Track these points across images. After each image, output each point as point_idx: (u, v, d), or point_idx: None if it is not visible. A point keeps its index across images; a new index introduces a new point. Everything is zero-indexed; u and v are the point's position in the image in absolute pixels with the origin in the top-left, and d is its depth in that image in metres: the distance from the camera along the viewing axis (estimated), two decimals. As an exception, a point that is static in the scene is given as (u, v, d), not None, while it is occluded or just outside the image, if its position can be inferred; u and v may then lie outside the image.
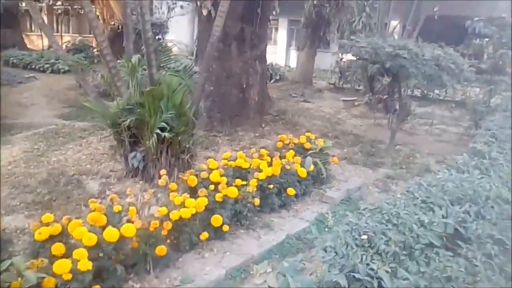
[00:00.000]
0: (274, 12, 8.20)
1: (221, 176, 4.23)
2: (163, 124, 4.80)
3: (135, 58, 5.41)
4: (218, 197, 3.88)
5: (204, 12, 7.44)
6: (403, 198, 2.89)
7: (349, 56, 9.30)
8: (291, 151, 5.24)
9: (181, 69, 5.60)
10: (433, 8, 12.64)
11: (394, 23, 13.80)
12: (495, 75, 10.18)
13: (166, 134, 4.75)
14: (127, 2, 5.70)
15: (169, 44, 7.57)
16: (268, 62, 18.46)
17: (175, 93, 5.02)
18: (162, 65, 5.68)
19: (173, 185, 3.94)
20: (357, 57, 6.97)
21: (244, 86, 7.75)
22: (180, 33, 19.02)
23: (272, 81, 15.50)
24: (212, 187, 4.01)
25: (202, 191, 3.80)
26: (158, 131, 4.76)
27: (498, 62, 8.81)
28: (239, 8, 7.36)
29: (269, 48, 25.76)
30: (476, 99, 10.35)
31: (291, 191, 4.59)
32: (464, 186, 3.06)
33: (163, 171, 4.09)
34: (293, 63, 20.35)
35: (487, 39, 8.59)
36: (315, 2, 13.74)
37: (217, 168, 4.35)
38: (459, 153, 4.51)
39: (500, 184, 3.24)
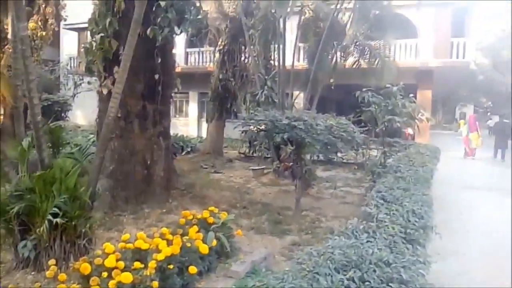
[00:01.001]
0: (176, 89, 8.36)
1: (118, 260, 4.05)
2: (56, 210, 4.57)
3: (25, 141, 5.20)
4: (112, 284, 3.69)
5: (105, 91, 7.43)
6: (292, 270, 2.95)
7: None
8: (194, 226, 5.18)
9: (75, 150, 5.45)
10: (329, 79, 13.69)
11: (296, 93, 14.72)
12: (386, 138, 11.08)
13: (59, 219, 4.52)
14: (18, 85, 5.56)
15: (69, 124, 7.39)
16: (180, 134, 18.80)
17: (68, 176, 4.85)
18: (53, 148, 5.50)
19: (61, 276, 3.70)
20: (258, 130, 7.26)
21: (149, 162, 7.69)
22: (88, 109, 18.69)
23: (183, 153, 15.55)
24: (105, 274, 3.81)
25: (94, 280, 3.60)
26: (50, 217, 4.51)
27: (387, 126, 9.60)
28: (140, 86, 7.47)
29: (181, 120, 26.22)
30: (374, 160, 11.10)
31: (192, 269, 4.48)
32: (350, 252, 3.19)
33: (51, 261, 3.84)
34: (205, 134, 20.66)
35: (376, 107, 9.36)
36: (220, 77, 14.36)
37: (113, 252, 4.17)
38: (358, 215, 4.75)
39: (383, 246, 3.43)
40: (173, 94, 8.73)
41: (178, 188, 9.03)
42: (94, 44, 7.26)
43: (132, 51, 5.10)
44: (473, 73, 50.31)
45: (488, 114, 56.36)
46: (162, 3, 6.94)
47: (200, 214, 5.62)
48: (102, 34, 7.14)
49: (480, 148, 20.08)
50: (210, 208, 5.88)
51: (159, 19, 7.06)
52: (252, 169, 12.18)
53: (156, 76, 7.53)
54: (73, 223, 4.74)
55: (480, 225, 7.80)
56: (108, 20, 7.10)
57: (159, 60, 7.49)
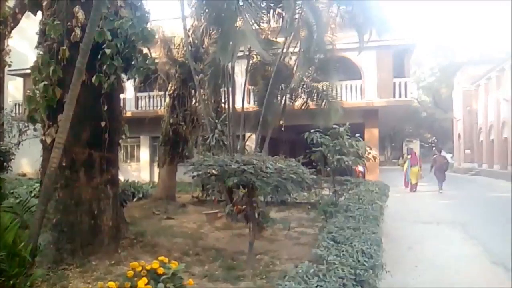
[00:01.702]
0: (123, 136, 8.22)
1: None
2: (-8, 269, 4.30)
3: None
4: None
5: (48, 139, 7.20)
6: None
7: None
8: (144, 278, 4.97)
9: (14, 204, 5.20)
10: (279, 120, 13.95)
11: (248, 134, 14.85)
12: (337, 177, 11.31)
13: (-5, 280, 4.24)
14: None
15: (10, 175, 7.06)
16: (131, 179, 18.38)
17: (7, 231, 4.59)
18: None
19: None
20: (208, 175, 7.21)
21: (96, 212, 7.41)
22: (34, 157, 18.00)
23: (134, 199, 15.16)
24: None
25: None
26: (-15, 278, 4.23)
27: (336, 166, 9.82)
28: (85, 134, 7.30)
29: (133, 165, 25.71)
30: (326, 200, 11.24)
31: (141, 325, 4.28)
32: (299, 299, 3.16)
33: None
34: (157, 178, 20.35)
35: (324, 147, 9.61)
36: (171, 121, 14.31)
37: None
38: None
39: (333, 289, 3.42)
40: (121, 141, 8.58)
41: (128, 237, 8.72)
42: (37, 92, 7.08)
43: (75, 99, 5.01)
44: (417, 110, 52.97)
45: (433, 149, 58.87)
46: (108, 51, 6.92)
47: (150, 265, 5.42)
48: (46, 82, 6.98)
49: (420, 181, 21.17)
50: (160, 258, 5.67)
51: (104, 67, 7.01)
52: (206, 214, 12.01)
53: (103, 123, 7.38)
54: (12, 282, 4.45)
55: (429, 259, 7.97)
56: (51, 68, 6.96)
57: (106, 107, 7.38)
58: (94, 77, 6.95)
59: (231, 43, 6.68)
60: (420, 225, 11.40)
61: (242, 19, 6.83)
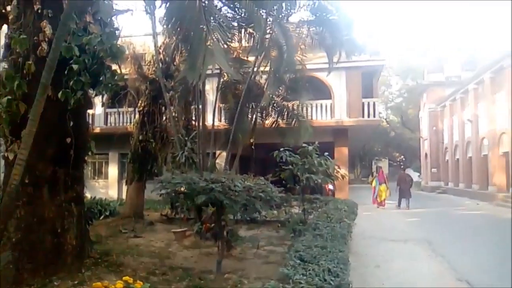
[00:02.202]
0: (90, 152, 8.07)
1: None
2: None
3: None
4: None
5: (11, 156, 6.99)
6: None
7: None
8: (107, 300, 4.86)
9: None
10: (250, 139, 14.01)
11: (218, 152, 14.82)
12: (307, 195, 11.37)
13: None
14: None
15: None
16: (99, 197, 17.99)
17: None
18: None
19: None
20: (176, 193, 7.15)
21: (59, 230, 7.20)
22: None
23: (101, 217, 14.84)
24: None
25: None
26: None
27: (306, 184, 9.89)
28: (50, 150, 7.13)
29: (100, 182, 25.19)
30: (296, 218, 11.26)
31: None
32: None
33: None
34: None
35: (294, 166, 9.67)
36: (140, 138, 14.15)
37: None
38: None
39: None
40: (88, 157, 8.43)
41: (93, 256, 8.49)
42: (0, 106, 6.90)
43: (38, 115, 4.89)
44: (386, 130, 54.14)
45: (402, 167, 60.02)
46: (75, 66, 6.82)
47: (114, 285, 5.30)
48: (9, 97, 6.81)
49: (389, 199, 21.76)
50: (124, 278, 5.56)
51: (71, 82, 6.90)
52: (174, 232, 11.83)
53: (68, 140, 7.24)
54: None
55: (396, 276, 8.06)
56: (16, 82, 6.80)
57: (72, 123, 7.24)
58: (60, 93, 6.83)
59: (199, 61, 6.69)
60: (388, 243, 11.53)
61: (210, 38, 6.86)
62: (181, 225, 12.71)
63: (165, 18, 8.49)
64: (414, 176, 51.65)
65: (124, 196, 20.84)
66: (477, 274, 8.17)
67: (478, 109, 28.16)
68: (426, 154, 41.24)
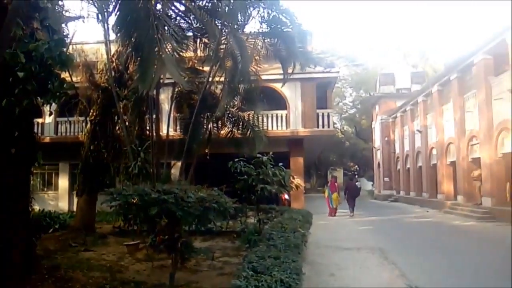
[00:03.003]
0: (36, 164, 7.75)
1: None
2: None
3: None
4: None
5: None
6: None
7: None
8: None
9: None
10: (205, 149, 13.91)
11: (173, 162, 14.60)
12: (262, 205, 11.38)
13: None
14: None
15: None
16: (48, 209, 17.29)
17: None
18: None
19: None
20: (128, 204, 6.96)
21: (3, 246, 6.86)
22: None
23: (50, 230, 14.26)
24: None
25: None
26: None
27: (260, 194, 9.91)
28: None
29: (50, 194, 24.26)
30: (251, 228, 11.25)
31: None
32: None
33: None
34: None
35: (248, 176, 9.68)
36: (91, 148, 13.76)
37: None
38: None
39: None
40: (36, 168, 8.10)
41: (40, 272, 8.14)
42: None
43: (-21, 125, 4.66)
44: (340, 140, 55.29)
45: (356, 176, 61.46)
46: (21, 74, 6.55)
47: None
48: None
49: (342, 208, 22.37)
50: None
51: (17, 90, 6.62)
52: (126, 245, 11.52)
53: (13, 150, 6.92)
54: None
55: (350, 284, 8.17)
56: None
57: (17, 133, 6.94)
58: (4, 101, 6.53)
59: (150, 71, 6.59)
60: (343, 251, 11.69)
61: (162, 48, 6.78)
62: (134, 238, 12.39)
63: (117, 27, 8.33)
64: (368, 185, 53.12)
65: (75, 208, 20.20)
66: (426, 280, 8.43)
67: (427, 120, 29.26)
68: (379, 164, 42.35)
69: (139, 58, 7.53)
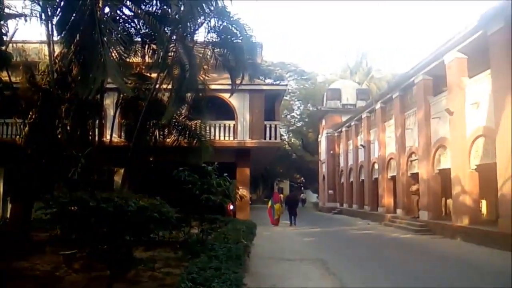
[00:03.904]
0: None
1: None
2: None
3: None
4: None
5: None
6: None
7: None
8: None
9: None
10: (150, 156, 13.64)
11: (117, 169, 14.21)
12: (206, 215, 11.28)
13: None
14: None
15: None
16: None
17: None
18: None
19: None
20: (64, 212, 6.69)
21: None
22: None
23: (-20, 240, 13.40)
24: None
25: None
26: None
27: (204, 204, 9.83)
28: None
29: (-17, 201, 22.79)
30: (194, 239, 11.09)
31: None
32: None
33: None
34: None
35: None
36: (29, 152, 13.12)
37: None
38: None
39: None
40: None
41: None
42: None
43: None
44: (288, 152, 56.03)
45: (302, 188, 62.43)
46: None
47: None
48: None
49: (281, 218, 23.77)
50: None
51: None
52: (63, 254, 11.02)
53: None
54: None
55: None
56: None
57: None
58: None
59: (91, 75, 6.40)
60: (286, 262, 11.77)
61: (106, 52, 6.60)
62: (71, 247, 11.89)
63: (60, 27, 8.03)
64: (313, 197, 54.04)
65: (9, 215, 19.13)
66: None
67: (370, 136, 30.27)
68: (324, 176, 43.22)
69: (81, 61, 7.29)
